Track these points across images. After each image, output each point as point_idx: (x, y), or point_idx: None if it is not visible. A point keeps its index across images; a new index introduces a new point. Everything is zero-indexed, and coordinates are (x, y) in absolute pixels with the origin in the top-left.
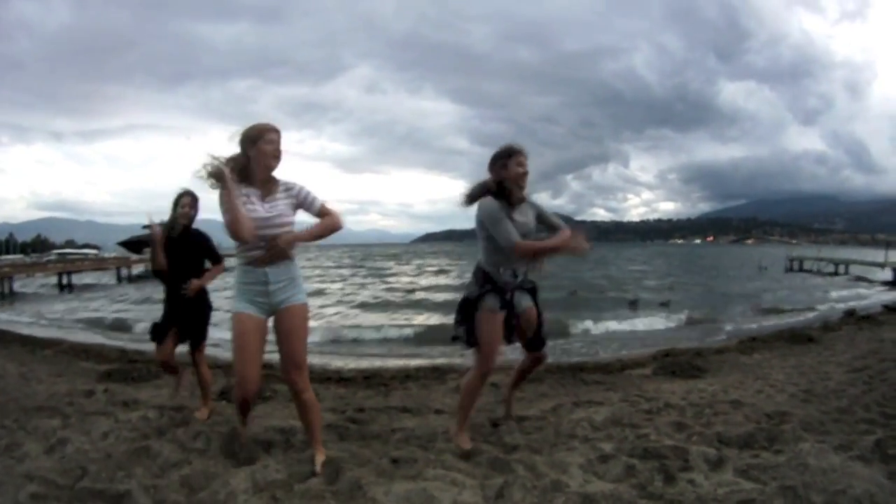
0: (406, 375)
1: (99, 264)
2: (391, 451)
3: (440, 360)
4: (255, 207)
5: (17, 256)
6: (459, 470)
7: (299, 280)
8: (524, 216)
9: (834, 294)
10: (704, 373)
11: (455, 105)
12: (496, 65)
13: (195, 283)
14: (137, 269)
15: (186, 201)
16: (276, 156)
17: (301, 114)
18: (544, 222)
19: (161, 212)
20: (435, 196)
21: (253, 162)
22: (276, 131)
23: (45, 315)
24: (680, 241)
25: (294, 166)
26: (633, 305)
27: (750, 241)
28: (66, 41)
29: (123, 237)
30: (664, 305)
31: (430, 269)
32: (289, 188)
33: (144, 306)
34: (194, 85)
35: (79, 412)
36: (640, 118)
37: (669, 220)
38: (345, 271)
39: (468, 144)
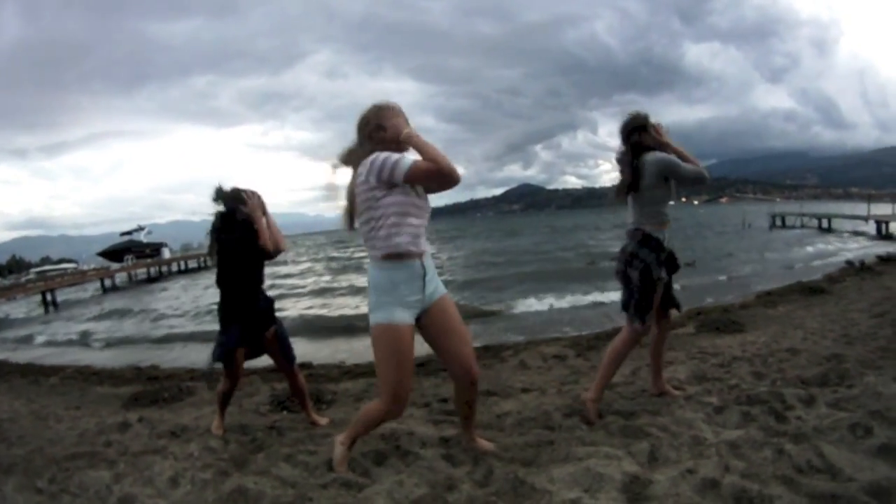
0: None
1: (80, 278)
2: (516, 438)
3: (482, 339)
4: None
5: None
6: (602, 443)
7: None
8: None
9: (824, 248)
10: (744, 326)
11: (417, 83)
12: (456, 40)
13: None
14: (121, 278)
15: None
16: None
17: (262, 105)
18: None
19: (133, 218)
20: None
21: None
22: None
23: (38, 338)
24: None
25: (260, 158)
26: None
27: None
28: (20, 54)
29: (99, 248)
30: (690, 265)
31: None
32: None
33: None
34: (153, 86)
35: (124, 454)
36: (605, 85)
37: None
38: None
39: (434, 122)
